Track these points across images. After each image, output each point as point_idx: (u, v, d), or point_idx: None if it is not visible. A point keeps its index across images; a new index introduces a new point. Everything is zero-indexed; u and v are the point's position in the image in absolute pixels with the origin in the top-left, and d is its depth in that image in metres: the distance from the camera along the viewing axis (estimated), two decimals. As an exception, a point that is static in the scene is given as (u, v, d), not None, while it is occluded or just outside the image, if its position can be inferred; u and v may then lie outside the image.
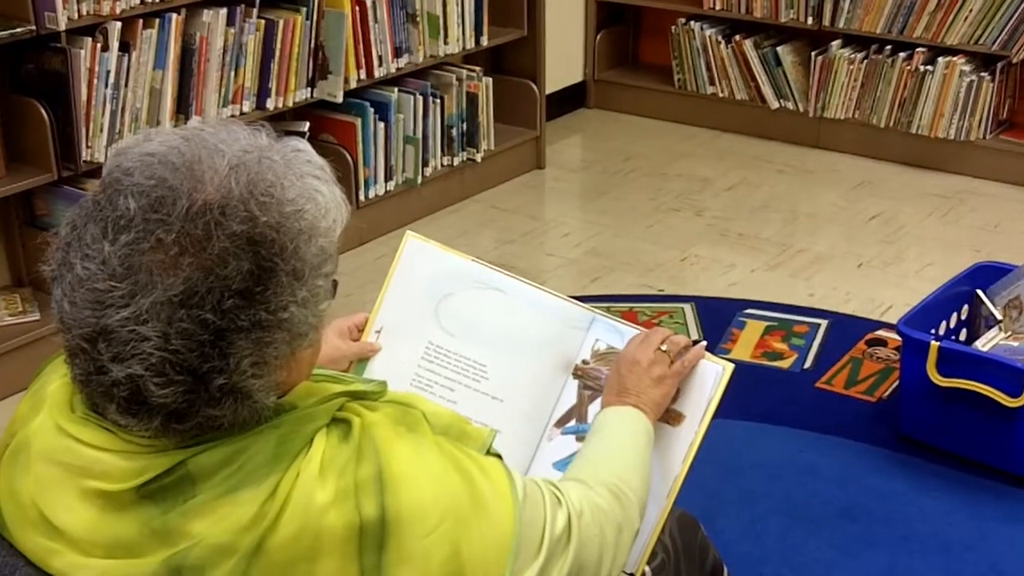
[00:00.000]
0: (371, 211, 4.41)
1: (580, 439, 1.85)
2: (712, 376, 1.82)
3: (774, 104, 5.37)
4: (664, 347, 1.81)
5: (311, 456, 1.28)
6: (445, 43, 4.60)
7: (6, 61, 3.48)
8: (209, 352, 1.21)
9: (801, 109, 5.31)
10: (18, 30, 3.33)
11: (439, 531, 1.30)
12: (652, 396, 1.77)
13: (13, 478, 1.35)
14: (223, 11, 3.79)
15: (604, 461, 1.65)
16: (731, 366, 1.83)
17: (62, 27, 3.38)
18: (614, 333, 1.91)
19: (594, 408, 1.87)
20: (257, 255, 1.21)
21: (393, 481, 1.29)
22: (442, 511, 1.31)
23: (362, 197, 4.40)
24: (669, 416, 1.82)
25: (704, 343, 1.86)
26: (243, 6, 3.87)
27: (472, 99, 4.77)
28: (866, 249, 4.41)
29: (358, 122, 4.35)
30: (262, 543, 1.25)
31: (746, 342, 3.74)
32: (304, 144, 1.34)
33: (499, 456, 1.45)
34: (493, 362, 1.89)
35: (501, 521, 1.35)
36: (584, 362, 1.91)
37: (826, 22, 5.15)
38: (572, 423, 1.88)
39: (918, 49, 5.00)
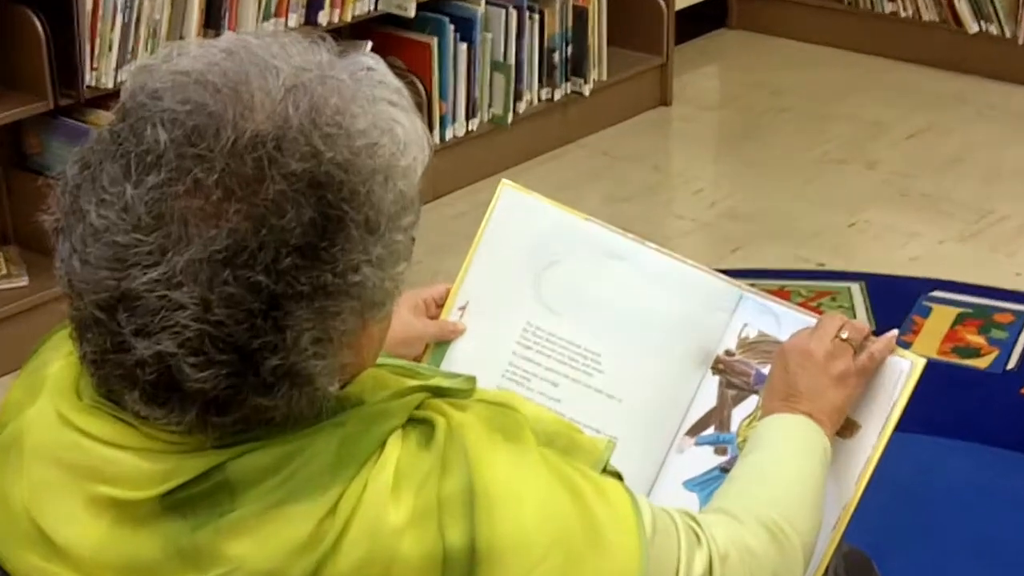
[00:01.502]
0: (448, 156, 4.41)
1: (719, 451, 1.85)
2: (897, 374, 1.80)
3: (972, 27, 5.30)
4: (844, 335, 1.79)
5: (383, 464, 1.28)
6: (548, -58, 4.61)
7: (-7, -40, 3.53)
8: (261, 324, 1.21)
9: (1008, 34, 5.24)
10: (9, -81, 3.38)
11: (543, 567, 1.30)
12: (832, 400, 1.75)
13: (2, 481, 1.36)
14: (266, -103, 3.82)
15: (762, 488, 1.64)
16: (922, 361, 1.81)
17: (64, -83, 3.42)
18: (768, 315, 1.90)
19: (739, 413, 1.87)
20: (321, 201, 1.21)
21: (487, 501, 1.29)
22: (548, 542, 1.30)
23: (437, 139, 4.40)
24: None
25: (895, 332, 1.84)
26: None
27: (580, 15, 4.76)
28: (1092, 217, 4.36)
29: (434, 42, 4.37)
30: (318, 571, 1.25)
31: (932, 334, 3.71)
32: (376, 61, 1.34)
33: (619, 476, 1.45)
34: (609, 350, 1.89)
35: (622, 558, 1.35)
36: (728, 352, 1.90)
37: (1043, -80, 5.08)
38: (710, 431, 1.88)
39: None
